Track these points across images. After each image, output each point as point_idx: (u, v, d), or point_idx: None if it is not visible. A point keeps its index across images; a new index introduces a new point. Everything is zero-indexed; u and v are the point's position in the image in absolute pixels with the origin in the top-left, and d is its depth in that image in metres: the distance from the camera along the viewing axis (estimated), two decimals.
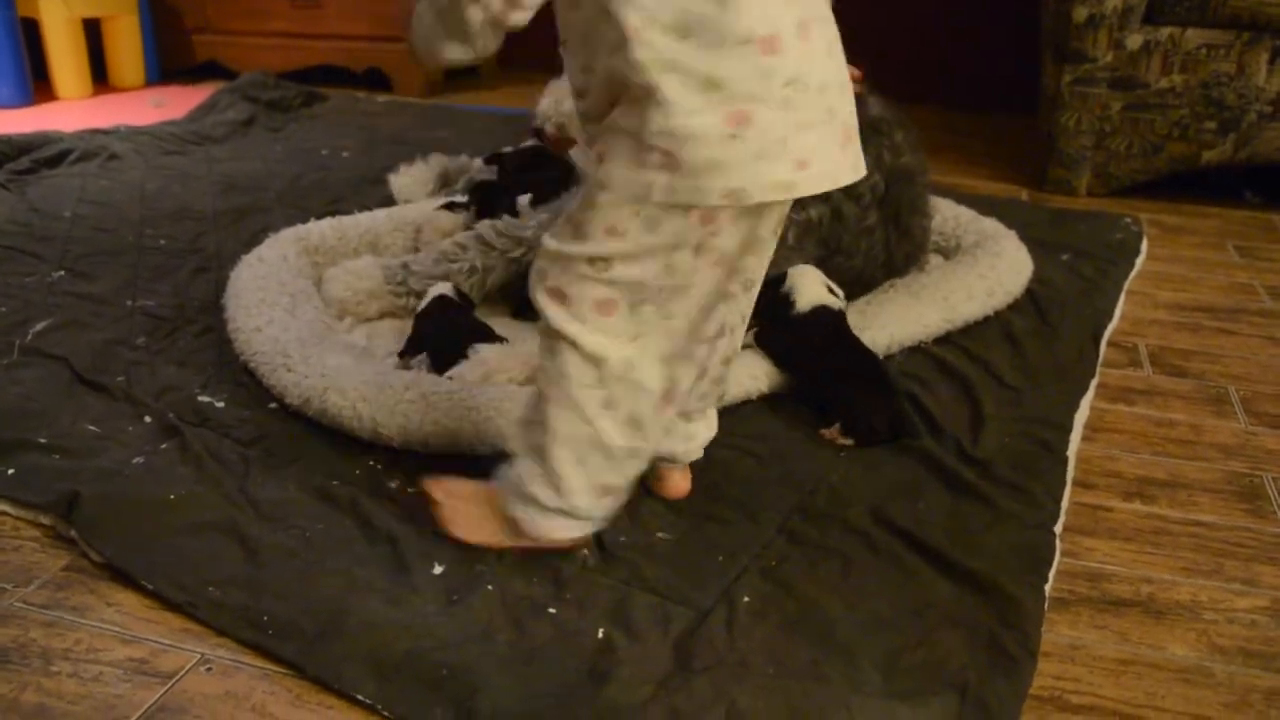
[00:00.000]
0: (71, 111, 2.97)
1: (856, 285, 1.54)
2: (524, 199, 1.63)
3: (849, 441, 1.24)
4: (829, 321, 1.38)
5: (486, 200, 1.73)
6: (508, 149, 1.91)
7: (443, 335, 1.38)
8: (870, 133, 1.45)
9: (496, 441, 1.17)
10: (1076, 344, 1.52)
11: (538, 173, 1.78)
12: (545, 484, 0.91)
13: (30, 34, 3.05)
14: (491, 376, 1.26)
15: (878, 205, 1.48)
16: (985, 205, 2.02)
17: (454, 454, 1.17)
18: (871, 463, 1.22)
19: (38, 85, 3.11)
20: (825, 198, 1.41)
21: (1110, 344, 1.55)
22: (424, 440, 1.17)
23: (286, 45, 3.38)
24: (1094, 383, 1.41)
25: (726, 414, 1.29)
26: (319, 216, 1.92)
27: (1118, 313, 1.65)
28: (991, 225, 1.80)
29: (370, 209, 1.97)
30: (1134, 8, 2.18)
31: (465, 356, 1.31)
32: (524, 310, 1.51)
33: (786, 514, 1.10)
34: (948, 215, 1.82)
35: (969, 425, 1.29)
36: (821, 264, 1.45)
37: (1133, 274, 1.83)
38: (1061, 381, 1.41)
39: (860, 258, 1.50)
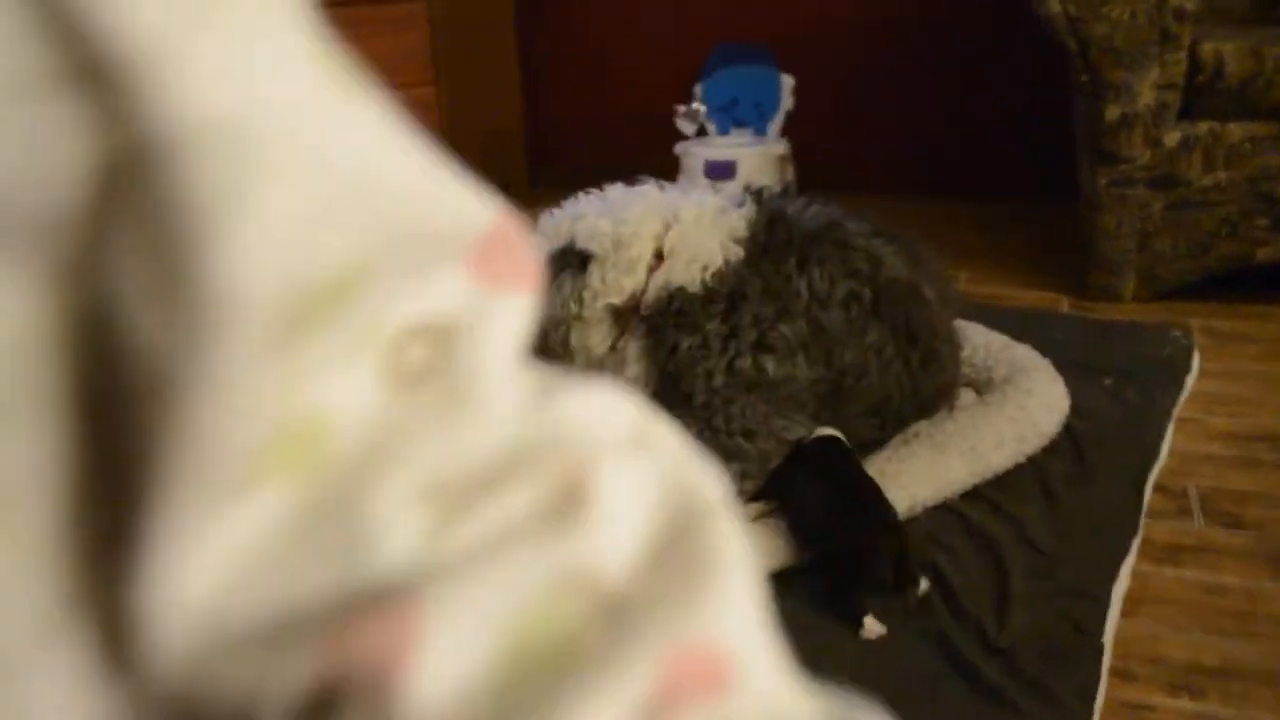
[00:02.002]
0: None
1: (885, 418, 1.45)
2: None
3: (883, 631, 1.15)
4: (826, 449, 1.32)
5: None
6: None
7: None
8: (814, 243, 1.38)
9: None
10: (1118, 492, 1.41)
11: None
12: None
13: None
14: None
15: (874, 319, 1.39)
16: (1022, 321, 1.92)
17: None
18: (888, 652, 1.13)
19: None
20: (787, 310, 1.34)
21: (1156, 488, 1.43)
22: None
23: None
24: (1136, 541, 1.30)
25: None
26: None
27: (1164, 449, 1.53)
28: (1025, 354, 1.70)
29: None
30: (1168, 104, 2.09)
31: None
32: None
33: None
34: (977, 344, 1.72)
35: (995, 604, 1.19)
36: (834, 390, 1.38)
37: (1182, 397, 1.71)
38: (1099, 539, 1.30)
39: (875, 378, 1.40)
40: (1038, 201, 3.08)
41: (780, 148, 3.06)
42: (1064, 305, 2.21)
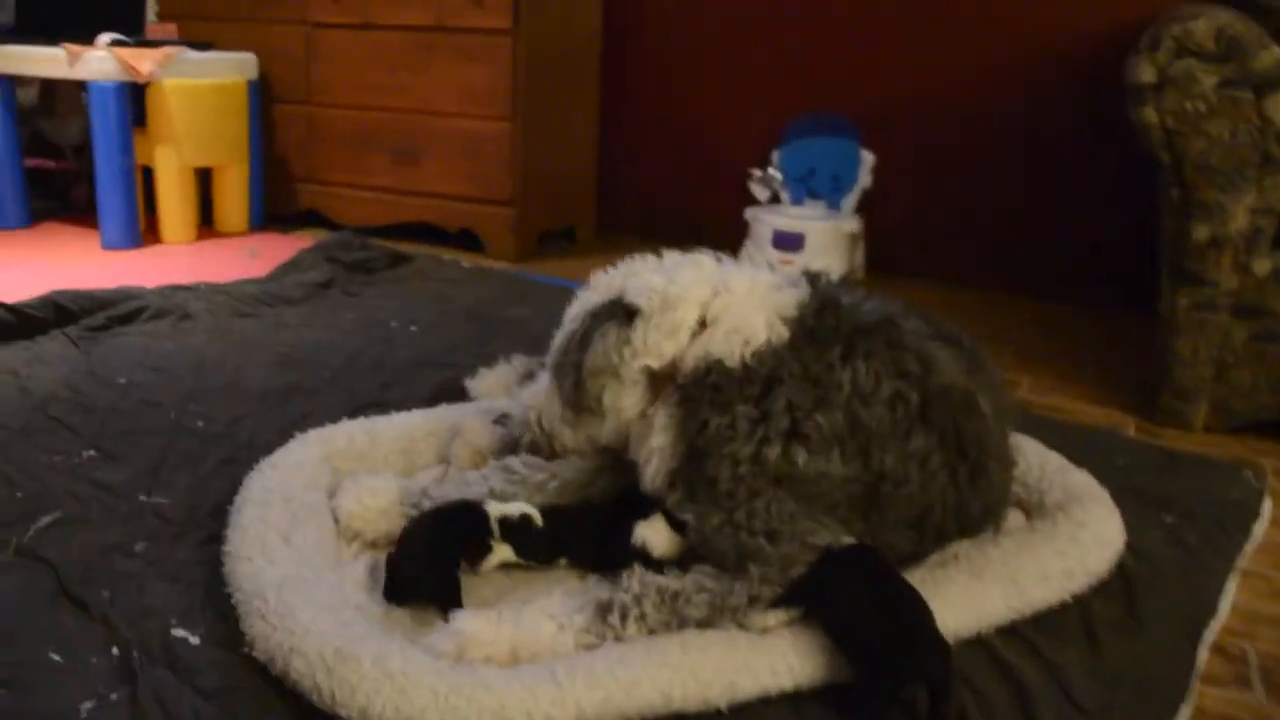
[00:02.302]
0: (172, 256, 3.04)
1: (924, 531, 1.37)
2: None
3: None
4: (862, 555, 1.25)
5: None
6: None
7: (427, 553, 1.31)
8: (861, 336, 1.31)
9: None
10: (1169, 647, 1.31)
11: None
12: None
13: (145, 178, 3.17)
14: (466, 653, 1.13)
15: (921, 425, 1.30)
16: (1083, 442, 1.82)
17: None
18: None
19: (149, 224, 3.21)
20: (825, 400, 1.26)
21: (1213, 648, 1.33)
22: None
23: (385, 200, 3.42)
24: (1186, 710, 1.19)
25: (739, 716, 1.13)
26: (365, 403, 1.87)
27: (1224, 604, 1.42)
28: (1082, 482, 1.60)
29: (419, 398, 1.90)
30: (1263, 230, 1.99)
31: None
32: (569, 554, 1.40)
33: None
34: (1032, 462, 1.63)
35: None
36: (870, 494, 1.29)
37: (1249, 547, 1.60)
38: (1144, 701, 1.20)
39: (916, 488, 1.32)
40: (1112, 311, 2.98)
41: (853, 225, 2.99)
42: (1130, 427, 2.10)
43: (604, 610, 1.18)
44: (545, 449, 1.50)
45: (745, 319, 1.31)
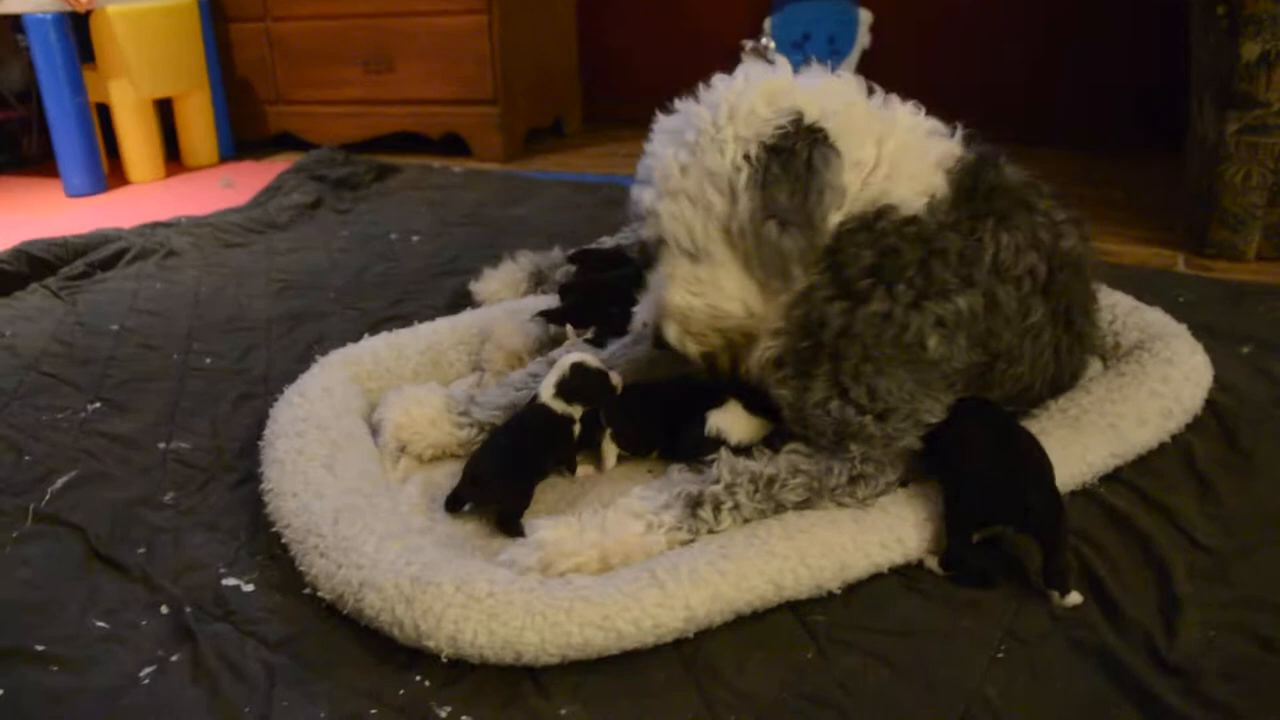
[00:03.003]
0: (142, 197, 2.88)
1: (1020, 404, 1.29)
2: (572, 342, 1.49)
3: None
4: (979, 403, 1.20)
5: (580, 308, 1.55)
6: (591, 246, 1.80)
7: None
8: (1012, 203, 1.19)
9: (567, 652, 0.96)
10: None
11: (617, 271, 1.61)
12: None
13: (104, 118, 2.98)
14: (552, 564, 1.04)
15: (1042, 296, 1.20)
16: (1139, 281, 1.73)
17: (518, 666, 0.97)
18: (1038, 668, 0.97)
19: (114, 166, 3.03)
20: (970, 280, 1.14)
21: None
22: (479, 653, 0.96)
23: (361, 113, 3.26)
24: None
25: (853, 596, 1.05)
26: (378, 320, 1.76)
27: None
28: (1157, 319, 1.51)
29: (436, 308, 1.79)
30: None
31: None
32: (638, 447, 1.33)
33: None
34: (1103, 304, 1.54)
35: (1160, 611, 1.02)
36: (982, 375, 1.20)
37: None
38: (1269, 536, 1.13)
39: (1026, 365, 1.22)
40: (1140, 154, 2.86)
41: None
42: (1179, 263, 2.01)
43: (694, 504, 1.08)
44: (721, 357, 1.25)
45: (921, 165, 1.16)
